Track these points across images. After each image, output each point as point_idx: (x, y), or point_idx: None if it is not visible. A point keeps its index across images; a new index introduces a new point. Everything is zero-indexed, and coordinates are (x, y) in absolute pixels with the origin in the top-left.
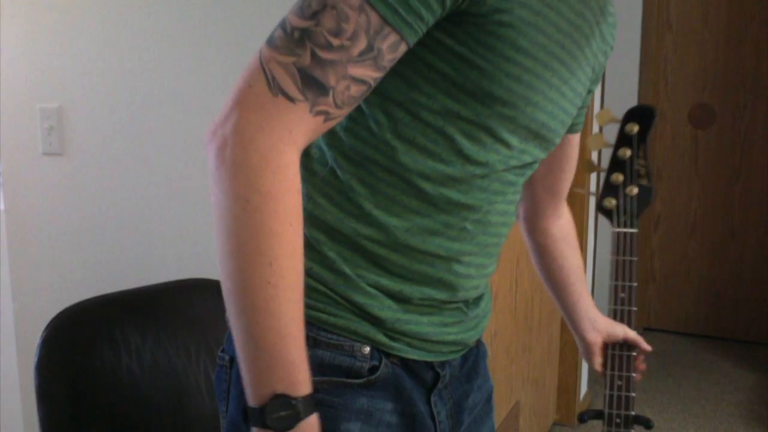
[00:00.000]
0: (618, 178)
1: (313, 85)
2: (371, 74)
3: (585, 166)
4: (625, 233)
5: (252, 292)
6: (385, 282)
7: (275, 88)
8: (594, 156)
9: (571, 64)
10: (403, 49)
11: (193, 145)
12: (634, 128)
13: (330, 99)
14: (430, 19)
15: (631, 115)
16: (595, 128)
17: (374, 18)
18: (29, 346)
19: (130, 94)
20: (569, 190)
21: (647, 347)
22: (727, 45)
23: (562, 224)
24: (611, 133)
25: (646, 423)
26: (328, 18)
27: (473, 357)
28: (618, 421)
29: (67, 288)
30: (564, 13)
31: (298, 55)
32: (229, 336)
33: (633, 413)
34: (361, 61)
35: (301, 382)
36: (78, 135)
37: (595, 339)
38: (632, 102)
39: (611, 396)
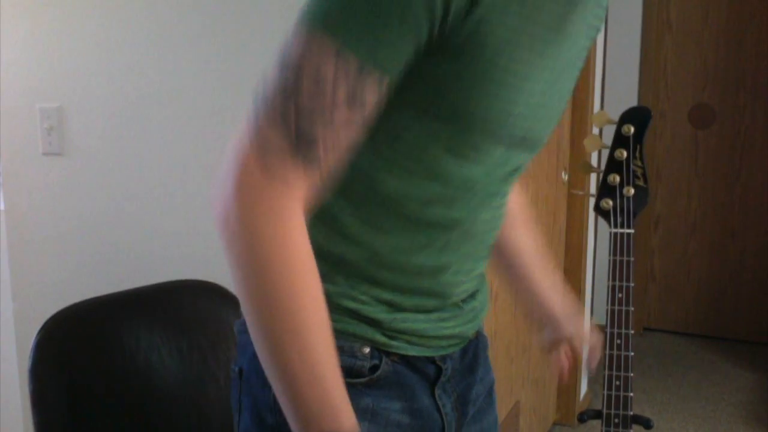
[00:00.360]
0: (615, 179)
1: (303, 141)
2: (358, 117)
3: (583, 167)
4: (622, 234)
5: (284, 351)
6: (377, 292)
7: (267, 151)
8: (593, 157)
9: (555, 66)
10: (385, 87)
11: (193, 145)
12: (630, 129)
13: (321, 150)
14: (410, 52)
15: (626, 117)
16: (594, 130)
17: (353, 65)
18: (29, 346)
19: (130, 94)
20: (569, 192)
21: (579, 350)
22: (727, 45)
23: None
24: (608, 135)
25: (646, 423)
26: (308, 72)
27: (473, 349)
28: (617, 421)
29: (67, 288)
30: (545, 21)
31: (283, 114)
32: (240, 348)
33: (632, 413)
34: (346, 108)
35: (345, 418)
36: (78, 135)
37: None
38: (632, 102)
39: (609, 396)
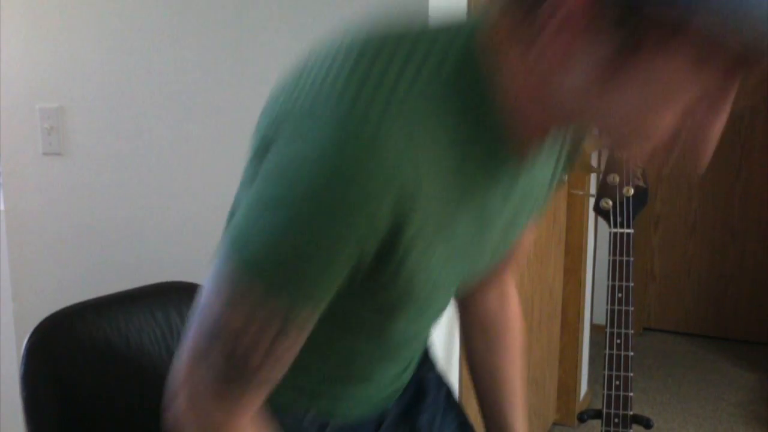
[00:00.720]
0: (614, 179)
1: (242, 379)
2: (293, 341)
3: (583, 167)
4: (621, 233)
5: None
6: (316, 375)
7: (209, 392)
8: (593, 157)
9: (492, 228)
10: (317, 316)
11: (192, 145)
12: None
13: (261, 375)
14: (342, 280)
15: None
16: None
17: (284, 303)
18: None
19: (131, 94)
20: (569, 192)
21: None
22: None
23: (500, 308)
24: None
25: (646, 423)
26: (239, 317)
27: (413, 386)
28: (617, 420)
29: (67, 288)
30: (467, 222)
31: (216, 359)
32: None
33: (632, 413)
34: (281, 336)
35: None
36: (78, 135)
37: None
38: None
39: (609, 396)
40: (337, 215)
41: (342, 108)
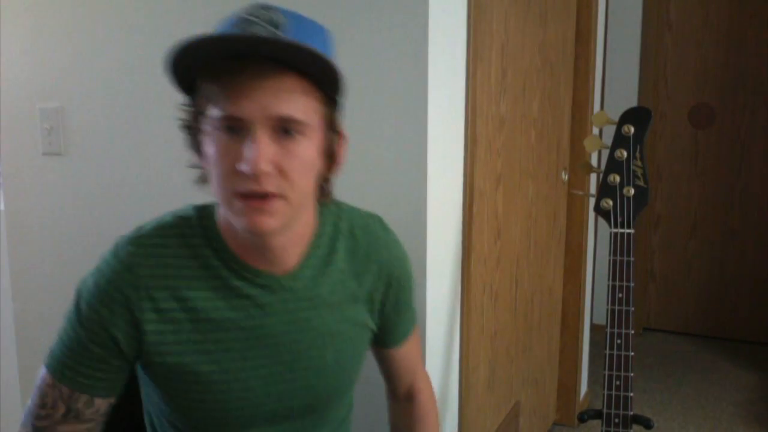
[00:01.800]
0: (615, 179)
1: None
2: (79, 427)
3: (583, 167)
4: (622, 234)
5: None
6: None
7: None
8: (593, 157)
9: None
10: (99, 402)
11: None
12: (630, 130)
13: None
14: (111, 376)
15: (626, 117)
16: (594, 130)
17: (65, 392)
18: (29, 346)
19: (131, 94)
20: (569, 192)
21: None
22: (727, 45)
23: (414, 400)
24: (609, 136)
25: (646, 423)
26: (37, 396)
27: None
28: (617, 420)
29: (67, 288)
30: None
31: (25, 428)
32: None
33: (632, 413)
34: (66, 421)
35: None
36: (78, 135)
37: None
38: (632, 102)
39: (609, 396)
40: (85, 313)
41: (111, 250)
